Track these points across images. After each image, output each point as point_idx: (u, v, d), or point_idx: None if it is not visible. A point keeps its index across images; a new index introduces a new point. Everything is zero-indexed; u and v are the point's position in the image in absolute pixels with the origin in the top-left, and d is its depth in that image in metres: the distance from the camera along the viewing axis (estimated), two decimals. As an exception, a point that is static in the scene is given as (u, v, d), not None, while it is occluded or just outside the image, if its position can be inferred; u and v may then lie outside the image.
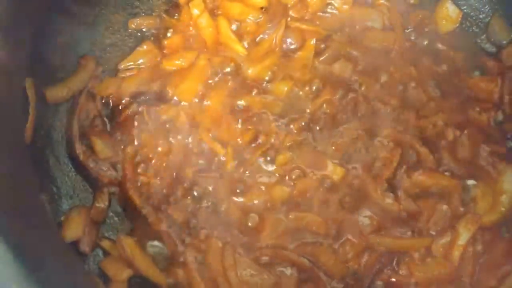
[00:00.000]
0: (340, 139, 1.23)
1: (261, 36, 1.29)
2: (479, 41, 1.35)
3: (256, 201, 1.19)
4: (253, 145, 1.23)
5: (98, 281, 1.09)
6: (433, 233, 1.18)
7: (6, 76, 1.03)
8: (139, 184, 1.19)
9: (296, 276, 1.15)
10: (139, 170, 1.20)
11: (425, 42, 1.33)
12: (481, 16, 1.36)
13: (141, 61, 1.27)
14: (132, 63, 1.27)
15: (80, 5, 1.24)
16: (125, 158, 1.19)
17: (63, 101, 1.20)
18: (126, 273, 1.10)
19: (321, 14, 1.32)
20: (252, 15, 1.30)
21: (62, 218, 1.12)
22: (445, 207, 1.19)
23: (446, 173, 1.22)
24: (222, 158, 1.21)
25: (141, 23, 1.31)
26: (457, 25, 1.34)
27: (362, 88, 1.26)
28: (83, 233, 1.11)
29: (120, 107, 1.24)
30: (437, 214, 1.19)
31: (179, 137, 1.22)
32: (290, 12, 1.30)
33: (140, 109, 1.23)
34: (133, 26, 1.30)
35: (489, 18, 1.35)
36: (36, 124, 1.10)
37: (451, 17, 1.34)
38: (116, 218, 1.19)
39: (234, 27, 1.29)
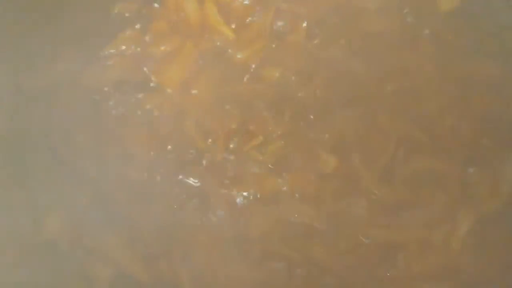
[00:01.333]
0: (334, 127, 1.17)
1: (250, 19, 1.24)
2: (481, 21, 1.27)
3: (246, 193, 1.14)
4: (243, 134, 1.17)
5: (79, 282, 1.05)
6: (432, 223, 1.13)
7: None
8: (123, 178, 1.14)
9: (288, 271, 1.10)
10: (122, 163, 1.15)
11: (423, 24, 1.26)
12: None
13: (124, 47, 1.22)
14: (114, 49, 1.22)
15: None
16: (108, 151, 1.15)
17: (42, 91, 1.15)
18: (109, 272, 1.07)
19: (313, -5, 1.26)
20: (240, -3, 1.24)
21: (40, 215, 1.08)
22: (443, 195, 1.14)
23: (445, 159, 1.16)
24: (211, 150, 1.16)
25: (124, 7, 1.25)
26: (458, 4, 1.27)
27: (357, 73, 1.20)
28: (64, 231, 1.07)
29: (102, 97, 1.18)
30: (435, 203, 1.14)
31: (165, 127, 1.17)
32: (280, -6, 1.24)
33: (123, 98, 1.18)
34: (115, 10, 1.25)
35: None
36: (12, 117, 1.06)
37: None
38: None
39: (221, 10, 1.23)
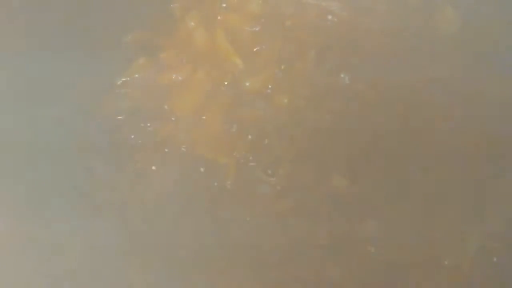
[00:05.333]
0: (344, 150, 1.20)
1: (259, 47, 1.26)
2: (481, 42, 1.30)
3: (258, 216, 1.16)
4: (254, 158, 1.20)
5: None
6: (443, 241, 1.15)
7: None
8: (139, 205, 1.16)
9: (303, 293, 1.12)
10: (138, 190, 1.17)
11: (426, 46, 1.29)
12: (483, 19, 1.32)
13: (136, 76, 1.25)
14: (127, 78, 1.24)
15: (71, 20, 1.22)
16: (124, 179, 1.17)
17: (57, 121, 1.18)
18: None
19: (320, 22, 1.29)
20: (248, 26, 1.27)
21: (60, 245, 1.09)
22: (453, 213, 1.16)
23: (454, 178, 1.18)
24: (222, 172, 1.18)
25: (136, 37, 1.28)
26: (458, 29, 1.30)
27: (365, 97, 1.23)
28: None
29: (117, 125, 1.21)
30: (446, 221, 1.15)
31: (177, 153, 1.19)
32: (288, 22, 1.27)
33: (138, 126, 1.21)
34: (127, 40, 1.27)
35: (492, 21, 1.30)
36: (29, 147, 1.07)
37: (451, 21, 1.30)
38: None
39: (230, 38, 1.26)
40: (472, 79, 1.27)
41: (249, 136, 1.21)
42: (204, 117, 1.22)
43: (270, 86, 1.24)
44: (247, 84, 1.24)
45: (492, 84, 1.27)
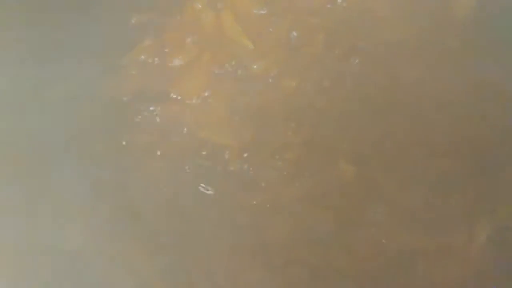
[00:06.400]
0: (352, 135, 1.18)
1: (266, 30, 1.25)
2: (496, 27, 1.27)
3: (264, 200, 1.14)
4: (260, 143, 1.18)
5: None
6: (452, 229, 1.12)
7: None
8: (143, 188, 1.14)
9: (309, 278, 1.09)
10: (142, 172, 1.15)
11: (439, 32, 1.26)
12: (498, 2, 1.28)
13: (142, 57, 1.23)
14: (133, 60, 1.23)
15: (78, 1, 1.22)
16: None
17: (62, 102, 1.16)
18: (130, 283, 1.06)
19: (330, 6, 1.27)
20: (256, 8, 1.25)
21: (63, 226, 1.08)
22: (463, 201, 1.13)
23: (464, 165, 1.15)
24: (227, 156, 1.17)
25: (143, 18, 1.26)
26: (474, 10, 1.27)
27: (375, 82, 1.21)
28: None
29: (121, 107, 1.19)
30: (455, 209, 1.13)
31: (182, 136, 1.18)
32: (297, 4, 1.25)
33: (142, 108, 1.19)
34: (133, 21, 1.26)
35: (507, 5, 1.27)
36: (34, 129, 1.06)
37: (465, 5, 1.28)
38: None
39: (237, 20, 1.25)
40: (486, 65, 1.24)
41: (256, 120, 1.19)
42: (209, 100, 1.21)
43: (278, 70, 1.22)
44: (255, 67, 1.22)
45: (505, 71, 1.24)
